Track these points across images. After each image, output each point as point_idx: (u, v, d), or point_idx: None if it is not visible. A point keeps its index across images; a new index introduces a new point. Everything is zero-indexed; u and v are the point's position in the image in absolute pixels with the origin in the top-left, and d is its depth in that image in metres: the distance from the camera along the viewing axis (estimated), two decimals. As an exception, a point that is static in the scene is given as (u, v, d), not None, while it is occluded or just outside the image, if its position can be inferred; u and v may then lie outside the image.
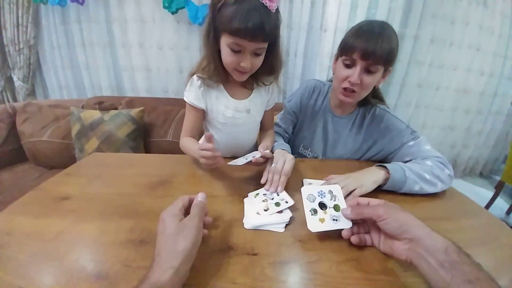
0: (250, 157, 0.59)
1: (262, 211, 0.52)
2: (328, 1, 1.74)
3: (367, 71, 0.69)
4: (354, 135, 0.86)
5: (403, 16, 1.81)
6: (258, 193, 0.58)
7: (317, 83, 0.92)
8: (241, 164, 0.58)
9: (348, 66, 0.71)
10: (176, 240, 0.35)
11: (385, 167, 0.63)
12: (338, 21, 1.76)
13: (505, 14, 1.90)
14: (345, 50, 0.70)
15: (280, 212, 0.52)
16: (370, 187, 0.60)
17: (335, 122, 0.87)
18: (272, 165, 0.62)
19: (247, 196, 0.58)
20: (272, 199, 0.56)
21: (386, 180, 0.61)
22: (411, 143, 0.74)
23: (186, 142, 0.76)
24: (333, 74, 0.80)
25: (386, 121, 0.79)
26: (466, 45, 1.92)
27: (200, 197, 0.43)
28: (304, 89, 0.93)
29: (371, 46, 0.65)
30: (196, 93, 0.73)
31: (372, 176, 0.62)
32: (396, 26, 1.82)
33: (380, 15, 1.79)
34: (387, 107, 0.82)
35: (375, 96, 0.84)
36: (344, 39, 0.72)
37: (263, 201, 0.55)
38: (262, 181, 0.60)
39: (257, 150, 0.64)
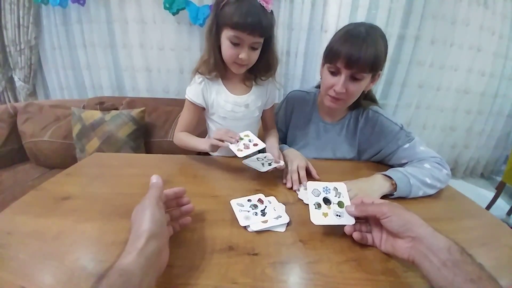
0: (266, 164, 0.68)
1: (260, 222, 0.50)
2: (329, 2, 1.75)
3: (353, 78, 0.67)
4: (348, 139, 0.85)
5: (404, 16, 1.82)
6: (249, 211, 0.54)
7: (298, 94, 0.92)
8: (258, 169, 0.66)
9: (333, 74, 0.70)
10: (138, 222, 0.35)
11: (390, 177, 0.62)
12: (338, 22, 1.76)
13: (506, 15, 1.89)
14: (330, 57, 0.68)
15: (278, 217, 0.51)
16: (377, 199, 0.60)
17: (327, 130, 0.86)
18: (288, 168, 0.68)
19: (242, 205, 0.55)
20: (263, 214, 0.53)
21: (393, 190, 0.61)
22: (406, 145, 0.74)
23: (183, 136, 0.81)
24: (320, 79, 0.79)
25: (380, 124, 0.78)
26: (467, 45, 1.92)
27: (154, 178, 0.43)
28: (285, 107, 0.93)
29: (355, 54, 0.63)
30: (195, 90, 0.78)
31: (379, 189, 0.61)
32: (396, 27, 1.82)
33: (380, 16, 1.79)
34: (380, 108, 0.82)
35: (367, 97, 0.82)
36: (329, 44, 0.70)
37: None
38: (288, 185, 0.64)
39: (265, 152, 0.74)
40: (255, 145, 0.65)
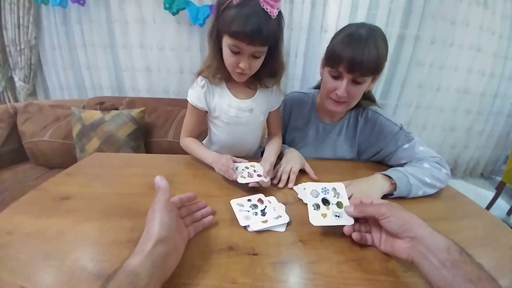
0: (255, 176, 0.62)
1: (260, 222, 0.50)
2: (329, 2, 1.75)
3: (355, 82, 0.67)
4: (348, 139, 0.85)
5: (404, 16, 1.82)
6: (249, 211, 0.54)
7: (296, 96, 0.91)
8: (247, 182, 0.61)
9: (335, 78, 0.69)
10: (148, 225, 0.36)
11: (389, 176, 0.62)
12: (338, 22, 1.76)
13: (506, 15, 1.90)
14: (331, 62, 0.67)
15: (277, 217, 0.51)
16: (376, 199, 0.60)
17: (327, 130, 0.86)
18: (281, 167, 0.69)
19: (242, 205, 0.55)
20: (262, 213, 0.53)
21: (392, 190, 0.61)
22: (406, 146, 0.74)
23: (190, 144, 0.79)
24: (320, 79, 0.79)
25: (380, 124, 0.78)
26: (467, 45, 1.92)
27: (159, 180, 0.42)
28: (283, 109, 0.91)
29: (357, 59, 0.62)
30: (197, 94, 0.75)
31: (380, 189, 0.61)
32: (396, 27, 1.82)
33: (380, 16, 1.79)
34: (379, 108, 0.82)
35: (366, 97, 0.82)
36: (330, 47, 0.68)
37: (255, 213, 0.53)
38: (274, 182, 0.66)
39: (260, 157, 0.71)
40: (259, 175, 0.62)
